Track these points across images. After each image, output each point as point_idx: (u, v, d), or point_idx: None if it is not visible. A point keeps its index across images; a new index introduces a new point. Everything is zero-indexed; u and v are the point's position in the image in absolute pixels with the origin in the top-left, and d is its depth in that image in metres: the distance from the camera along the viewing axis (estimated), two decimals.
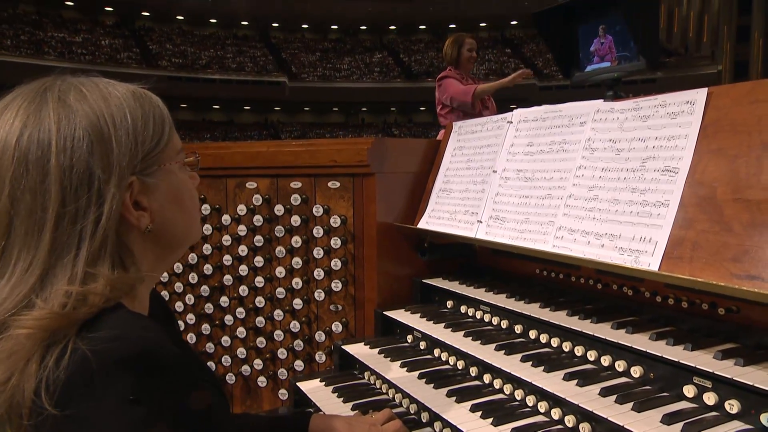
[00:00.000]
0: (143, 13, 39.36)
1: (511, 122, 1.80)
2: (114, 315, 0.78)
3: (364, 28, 44.46)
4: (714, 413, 1.11)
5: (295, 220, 2.07)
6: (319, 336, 2.07)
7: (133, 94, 0.90)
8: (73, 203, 0.79)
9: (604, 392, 1.22)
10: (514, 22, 41.31)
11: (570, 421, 1.25)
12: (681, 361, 1.17)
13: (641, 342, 1.29)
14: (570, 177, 1.50)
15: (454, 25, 42.93)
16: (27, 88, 0.86)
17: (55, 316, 0.74)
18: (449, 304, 1.94)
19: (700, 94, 1.26)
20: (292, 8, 39.68)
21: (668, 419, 1.09)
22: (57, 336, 0.73)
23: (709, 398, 1.12)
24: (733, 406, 1.08)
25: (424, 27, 44.25)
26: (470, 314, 1.84)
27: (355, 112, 43.70)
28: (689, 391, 1.16)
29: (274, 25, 42.71)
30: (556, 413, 1.28)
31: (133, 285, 0.85)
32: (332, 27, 44.30)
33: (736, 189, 1.13)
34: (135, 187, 0.86)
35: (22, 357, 0.72)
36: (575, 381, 1.29)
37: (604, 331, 1.38)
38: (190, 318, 2.30)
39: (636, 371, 1.28)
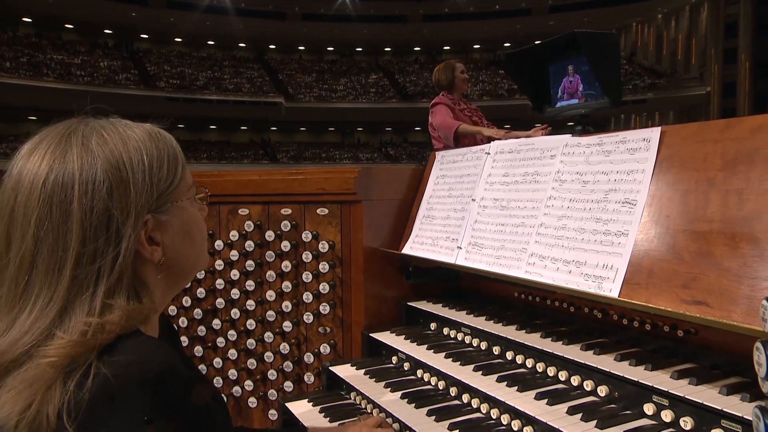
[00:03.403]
0: (142, 36, 39.88)
1: (489, 153, 1.91)
2: (132, 341, 0.83)
3: (360, 49, 45.13)
4: (671, 429, 1.19)
5: (285, 245, 2.15)
6: (308, 357, 2.14)
7: (149, 135, 0.96)
8: (93, 243, 0.84)
9: (571, 410, 1.30)
10: (507, 44, 42.04)
11: None
12: (641, 381, 1.25)
13: (607, 363, 1.37)
14: (541, 206, 1.61)
15: (448, 47, 43.69)
16: (54, 130, 0.91)
17: (75, 344, 0.79)
18: (433, 326, 2.02)
19: (654, 133, 1.37)
20: (288, 30, 40.33)
21: None
22: (77, 362, 0.78)
23: (666, 415, 1.20)
24: (687, 422, 1.16)
25: (418, 48, 44.97)
26: (452, 336, 1.92)
27: (351, 132, 44.08)
28: (649, 408, 1.24)
29: (271, 46, 43.33)
30: (528, 431, 1.36)
31: (148, 315, 0.90)
32: (328, 48, 44.96)
33: (686, 221, 1.23)
34: (150, 224, 0.92)
35: (43, 384, 0.77)
36: (545, 400, 1.37)
37: (573, 352, 1.47)
38: (183, 340, 2.36)
39: (602, 390, 1.36)
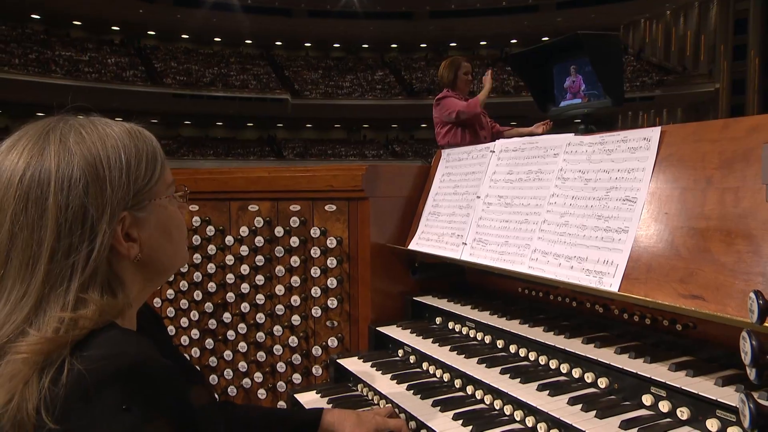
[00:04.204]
0: (149, 32, 40.06)
1: (494, 151, 1.95)
2: (105, 334, 0.85)
3: (366, 46, 45.10)
4: (668, 419, 1.23)
5: (294, 241, 2.20)
6: (316, 350, 2.19)
7: (128, 133, 0.97)
8: (67, 239, 0.86)
9: (572, 401, 1.35)
10: (514, 41, 41.87)
11: (542, 428, 1.36)
12: (639, 373, 1.29)
13: (607, 355, 1.41)
14: (544, 204, 1.65)
15: (454, 44, 43.57)
16: (33, 128, 0.93)
17: (47, 341, 0.81)
18: (438, 320, 2.06)
19: (654, 132, 1.41)
20: (295, 27, 40.37)
21: (626, 425, 1.21)
22: (51, 358, 0.80)
23: (664, 406, 1.24)
24: (683, 413, 1.20)
25: (425, 45, 44.87)
26: (457, 330, 1.96)
27: (357, 129, 44.10)
28: (647, 399, 1.28)
29: (277, 43, 43.39)
30: (530, 421, 1.40)
31: (122, 310, 0.91)
32: (335, 45, 44.96)
33: (684, 218, 1.27)
34: (126, 220, 0.93)
35: (21, 380, 0.79)
36: (547, 391, 1.41)
37: (575, 345, 1.51)
38: (195, 333, 2.42)
39: (602, 382, 1.40)
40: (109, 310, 0.88)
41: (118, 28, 38.82)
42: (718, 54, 34.55)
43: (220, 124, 40.74)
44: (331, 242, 2.14)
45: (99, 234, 0.88)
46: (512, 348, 1.70)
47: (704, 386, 1.18)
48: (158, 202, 0.99)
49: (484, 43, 44.20)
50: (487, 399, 1.55)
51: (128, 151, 0.94)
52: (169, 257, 1.03)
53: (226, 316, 2.35)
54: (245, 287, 2.30)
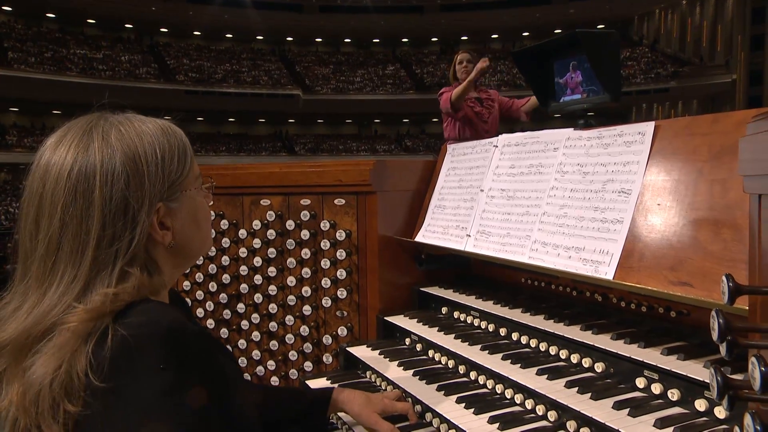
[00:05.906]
0: (162, 30, 40.40)
1: (497, 146, 2.01)
2: (142, 305, 0.94)
3: (377, 41, 45.03)
4: (659, 401, 1.29)
5: (305, 233, 2.28)
6: (327, 339, 2.27)
7: (161, 129, 1.06)
8: (111, 228, 0.95)
9: (569, 384, 1.41)
10: (525, 34, 41.53)
11: (540, 409, 1.43)
12: (633, 357, 1.35)
13: (603, 341, 1.47)
14: (544, 196, 1.71)
15: (465, 37, 43.31)
16: (76, 125, 1.02)
17: (90, 311, 0.90)
18: (444, 310, 2.14)
19: (648, 127, 1.46)
20: (306, 22, 40.43)
21: (618, 405, 1.27)
22: (96, 327, 0.89)
23: (656, 388, 1.30)
24: (674, 394, 1.26)
25: (436, 39, 44.68)
26: (462, 319, 2.03)
27: (369, 124, 44.13)
28: (640, 382, 1.34)
29: (288, 38, 43.51)
30: (529, 403, 1.47)
31: (158, 290, 1.01)
32: (345, 40, 44.96)
33: (676, 208, 1.32)
34: (161, 211, 1.02)
35: (69, 349, 0.88)
36: (546, 376, 1.48)
37: (573, 332, 1.57)
38: (210, 323, 2.52)
39: (599, 367, 1.47)
40: (146, 286, 0.97)
41: (131, 26, 39.21)
42: (735, 44, 33.96)
43: (232, 120, 41.03)
44: (341, 235, 2.22)
45: (139, 224, 0.98)
46: (514, 335, 1.77)
47: (694, 369, 1.24)
48: (188, 194, 1.09)
49: (496, 36, 43.88)
50: (490, 384, 1.62)
51: (162, 147, 1.04)
52: (198, 243, 1.14)
53: (240, 307, 2.44)
54: (258, 279, 2.39)
